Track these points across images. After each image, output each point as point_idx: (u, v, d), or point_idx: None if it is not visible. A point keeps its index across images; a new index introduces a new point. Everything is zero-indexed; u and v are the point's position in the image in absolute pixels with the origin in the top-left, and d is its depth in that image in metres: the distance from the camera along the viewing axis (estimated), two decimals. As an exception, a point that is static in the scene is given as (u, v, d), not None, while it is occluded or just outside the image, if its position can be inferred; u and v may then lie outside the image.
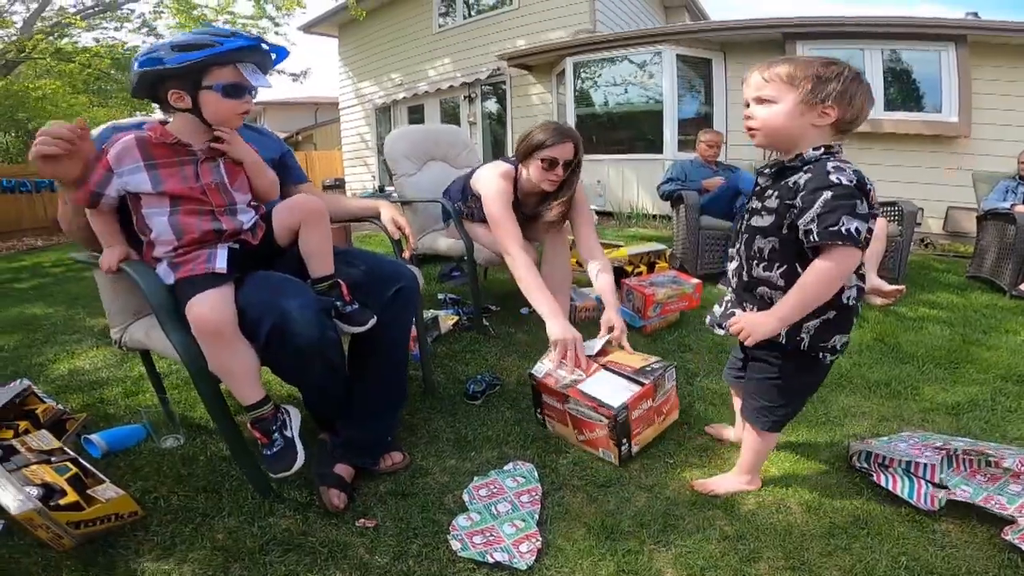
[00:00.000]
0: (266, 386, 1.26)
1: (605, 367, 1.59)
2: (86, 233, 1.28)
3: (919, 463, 1.34)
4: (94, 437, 1.54)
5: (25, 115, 9.38)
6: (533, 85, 8.17)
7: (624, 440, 1.45)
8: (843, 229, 0.99)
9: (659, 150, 6.55)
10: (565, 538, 1.22)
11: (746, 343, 1.15)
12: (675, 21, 10.30)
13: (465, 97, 9.13)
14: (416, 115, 10.22)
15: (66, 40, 9.09)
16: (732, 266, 1.26)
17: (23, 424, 1.50)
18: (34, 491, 1.13)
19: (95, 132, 1.44)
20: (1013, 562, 1.12)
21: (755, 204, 1.19)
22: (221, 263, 1.21)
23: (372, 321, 1.33)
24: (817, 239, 1.02)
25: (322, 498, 1.29)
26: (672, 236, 4.09)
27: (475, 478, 1.42)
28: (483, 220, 2.21)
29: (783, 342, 1.14)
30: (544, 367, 1.64)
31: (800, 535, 1.21)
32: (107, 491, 1.22)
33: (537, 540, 1.19)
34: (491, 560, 1.14)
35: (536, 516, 1.27)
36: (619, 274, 2.70)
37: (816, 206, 1.02)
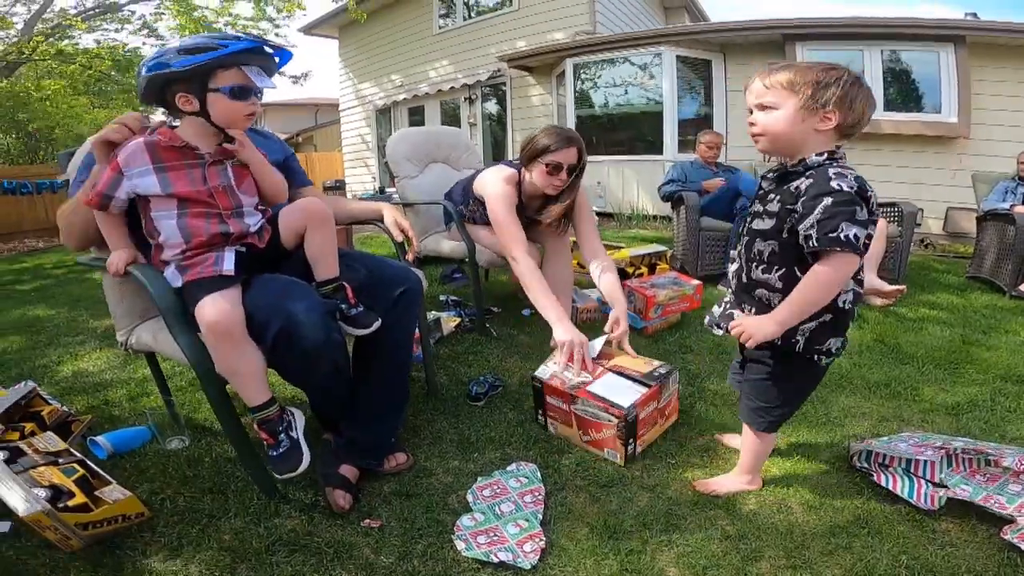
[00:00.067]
0: (271, 388, 1.27)
1: (611, 370, 1.61)
2: (84, 228, 1.31)
3: (919, 461, 1.35)
4: (100, 439, 1.54)
5: (25, 116, 9.39)
6: (533, 86, 8.19)
7: (631, 440, 1.47)
8: (842, 235, 1.00)
9: (659, 151, 6.57)
10: (568, 538, 1.23)
11: (747, 345, 1.16)
12: (675, 22, 10.32)
13: (465, 98, 9.15)
14: (416, 116, 10.24)
15: (66, 42, 9.10)
16: (732, 267, 1.27)
17: (29, 426, 1.51)
18: (42, 493, 1.14)
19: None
20: (1013, 561, 1.13)
21: (757, 207, 1.20)
22: (229, 265, 1.22)
23: (377, 323, 1.34)
24: (816, 244, 1.03)
25: (327, 499, 1.30)
26: (672, 237, 4.10)
27: (478, 479, 1.43)
28: (485, 222, 2.22)
29: (779, 344, 1.15)
30: (549, 369, 1.65)
31: (801, 534, 1.22)
32: (114, 492, 1.22)
33: (541, 540, 1.20)
34: (495, 560, 1.15)
35: (539, 516, 1.28)
36: (620, 276, 2.71)
37: (816, 212, 1.03)
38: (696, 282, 2.66)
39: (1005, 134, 5.16)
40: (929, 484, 1.32)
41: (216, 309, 1.14)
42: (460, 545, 1.19)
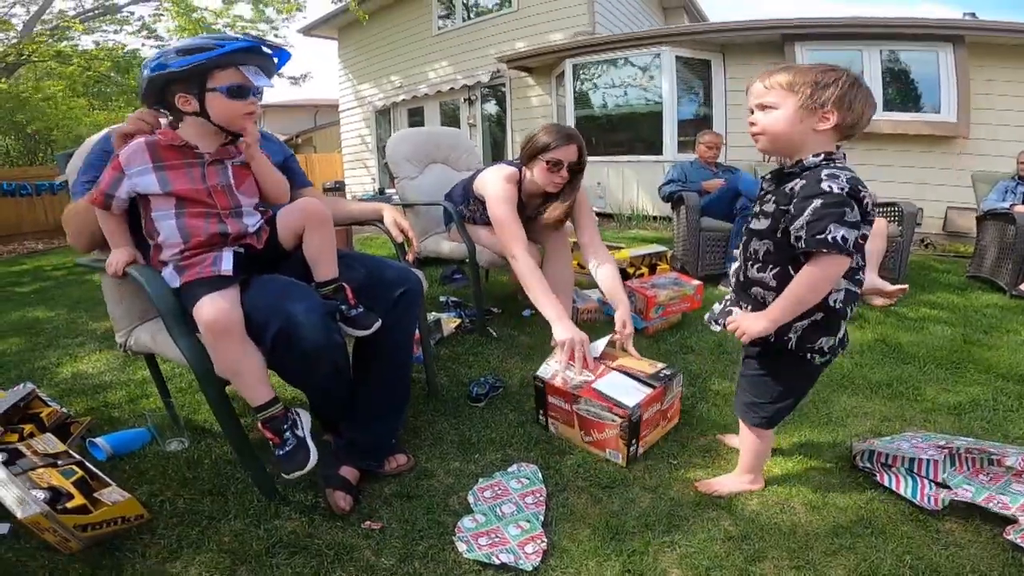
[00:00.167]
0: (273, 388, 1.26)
1: (615, 370, 1.60)
2: (93, 229, 1.31)
3: (922, 460, 1.35)
4: (99, 440, 1.54)
5: (24, 118, 9.38)
6: (532, 87, 8.19)
7: (633, 441, 1.47)
8: (829, 237, 1.02)
9: (659, 152, 6.57)
10: (570, 539, 1.22)
11: (741, 340, 1.19)
12: (674, 22, 10.33)
13: (465, 99, 9.15)
14: (416, 117, 10.24)
15: (65, 43, 9.09)
16: (734, 266, 1.29)
17: (28, 427, 1.51)
18: (41, 494, 1.13)
19: (100, 135, 1.45)
20: (1018, 561, 1.12)
21: (756, 207, 1.22)
22: (227, 265, 1.22)
23: (377, 324, 1.33)
24: (805, 246, 1.05)
25: (328, 500, 1.30)
26: (673, 238, 4.09)
27: (479, 480, 1.42)
28: (485, 222, 2.22)
29: (772, 341, 1.17)
30: (550, 369, 1.64)
31: (804, 535, 1.22)
32: (113, 494, 1.22)
33: (542, 541, 1.19)
34: (497, 561, 1.14)
35: (541, 517, 1.27)
36: (621, 276, 2.71)
37: (806, 213, 1.04)
38: (696, 282, 2.66)
39: (1004, 133, 5.17)
40: (932, 484, 1.31)
41: (214, 308, 1.13)
42: (461, 547, 1.18)
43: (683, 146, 6.40)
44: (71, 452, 1.37)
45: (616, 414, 1.45)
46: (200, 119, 1.23)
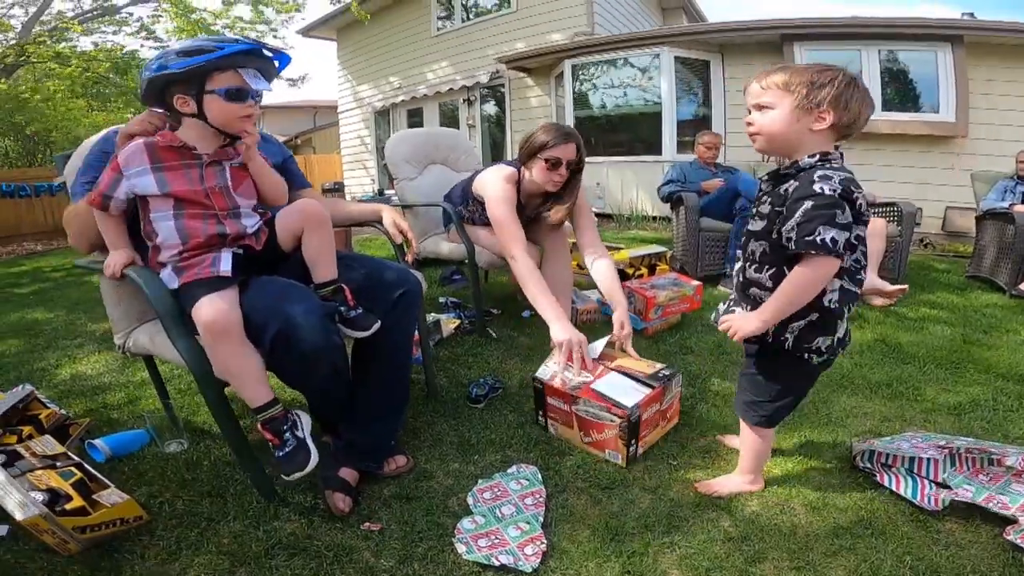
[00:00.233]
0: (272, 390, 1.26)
1: (615, 370, 1.60)
2: (94, 230, 1.31)
3: (922, 460, 1.35)
4: (98, 442, 1.54)
5: (23, 119, 9.37)
6: (532, 88, 8.19)
7: (633, 441, 1.46)
8: (818, 239, 1.02)
9: (658, 152, 6.57)
10: (570, 540, 1.22)
11: (733, 339, 1.19)
12: (672, 23, 10.33)
13: (464, 100, 9.15)
14: (415, 118, 10.24)
15: (63, 44, 9.09)
16: (736, 266, 1.29)
17: (27, 429, 1.50)
18: (40, 496, 1.13)
19: (99, 136, 1.45)
20: (1018, 561, 1.12)
21: (754, 208, 1.23)
22: (226, 266, 1.22)
23: (376, 326, 1.33)
24: (795, 247, 1.06)
25: (327, 502, 1.30)
26: (672, 238, 4.09)
27: (479, 481, 1.42)
28: (484, 223, 2.22)
29: (769, 340, 1.18)
30: (549, 370, 1.64)
31: (804, 535, 1.22)
32: (112, 496, 1.21)
33: (542, 542, 1.19)
34: (496, 563, 1.14)
35: (540, 518, 1.27)
36: (620, 277, 2.72)
37: (797, 215, 1.05)
38: (696, 283, 2.66)
39: (1003, 133, 5.17)
40: (932, 484, 1.31)
41: (213, 309, 1.13)
42: (461, 548, 1.18)
43: (682, 146, 6.40)
44: (70, 454, 1.36)
45: (615, 414, 1.45)
46: (199, 121, 1.23)
